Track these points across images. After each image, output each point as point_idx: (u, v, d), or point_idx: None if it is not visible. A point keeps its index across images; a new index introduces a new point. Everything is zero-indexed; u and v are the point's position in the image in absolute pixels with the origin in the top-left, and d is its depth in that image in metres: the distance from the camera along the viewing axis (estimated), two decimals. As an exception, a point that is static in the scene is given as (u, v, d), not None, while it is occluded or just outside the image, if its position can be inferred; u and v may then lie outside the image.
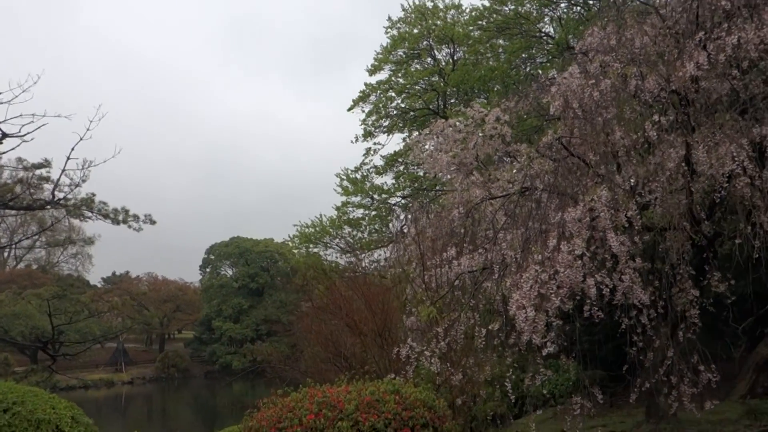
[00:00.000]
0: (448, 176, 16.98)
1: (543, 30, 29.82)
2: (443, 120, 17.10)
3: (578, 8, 28.06)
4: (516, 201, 10.77)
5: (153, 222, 20.01)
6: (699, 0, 11.15)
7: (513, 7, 28.14)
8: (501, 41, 29.85)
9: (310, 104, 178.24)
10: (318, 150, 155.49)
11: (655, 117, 9.75)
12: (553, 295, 8.77)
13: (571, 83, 10.35)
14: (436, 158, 16.74)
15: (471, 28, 29.40)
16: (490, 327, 9.30)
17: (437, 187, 33.02)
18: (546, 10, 29.10)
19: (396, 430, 6.73)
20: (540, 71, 31.03)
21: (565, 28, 27.84)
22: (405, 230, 32.76)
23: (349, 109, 32.29)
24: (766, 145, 10.11)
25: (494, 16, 28.70)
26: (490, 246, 10.97)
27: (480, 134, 16.39)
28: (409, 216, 18.28)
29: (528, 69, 31.11)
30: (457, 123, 16.88)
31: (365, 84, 31.91)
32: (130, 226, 19.59)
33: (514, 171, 13.87)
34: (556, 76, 26.98)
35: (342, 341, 11.51)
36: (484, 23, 29.12)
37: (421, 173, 33.45)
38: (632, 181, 10.05)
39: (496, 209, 11.86)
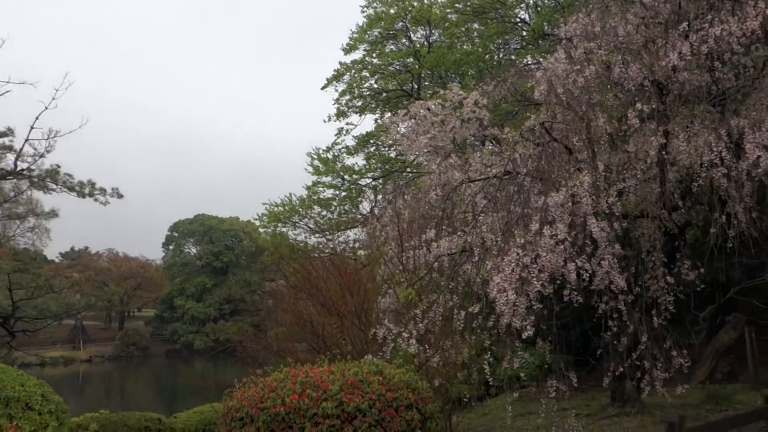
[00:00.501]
0: (424, 158, 16.95)
1: (519, 16, 29.85)
2: (421, 101, 17.02)
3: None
4: (497, 184, 10.76)
5: (120, 196, 19.68)
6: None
7: (490, -9, 28.06)
8: (476, 26, 29.77)
9: (281, 83, 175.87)
10: (288, 130, 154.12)
11: (638, 105, 9.80)
12: (534, 279, 8.80)
13: (557, 68, 10.34)
14: (412, 140, 16.67)
15: (448, 11, 29.24)
16: (470, 309, 9.30)
17: (408, 170, 32.97)
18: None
19: (380, 411, 6.69)
20: (513, 57, 31.14)
21: (542, 15, 27.88)
22: (376, 211, 32.79)
23: (323, 88, 31.94)
24: (743, 137, 10.25)
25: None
26: (469, 229, 10.96)
27: (458, 117, 16.37)
28: (384, 197, 18.20)
29: (502, 55, 31.15)
30: (433, 106, 16.82)
31: (340, 63, 31.58)
32: (96, 200, 19.22)
33: (492, 155, 13.88)
34: (532, 62, 27.20)
35: (318, 322, 11.40)
36: (460, 6, 28.99)
37: (393, 155, 33.34)
38: (604, 167, 10.15)
39: (475, 192, 11.85)
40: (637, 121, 9.71)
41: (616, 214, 9.54)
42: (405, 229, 11.95)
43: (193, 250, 70.91)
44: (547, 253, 8.87)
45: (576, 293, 9.21)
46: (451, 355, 10.24)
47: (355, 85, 31.35)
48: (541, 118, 10.10)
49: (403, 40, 32.23)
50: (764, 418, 8.20)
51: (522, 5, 28.88)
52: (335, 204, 32.07)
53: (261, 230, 41.44)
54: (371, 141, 32.98)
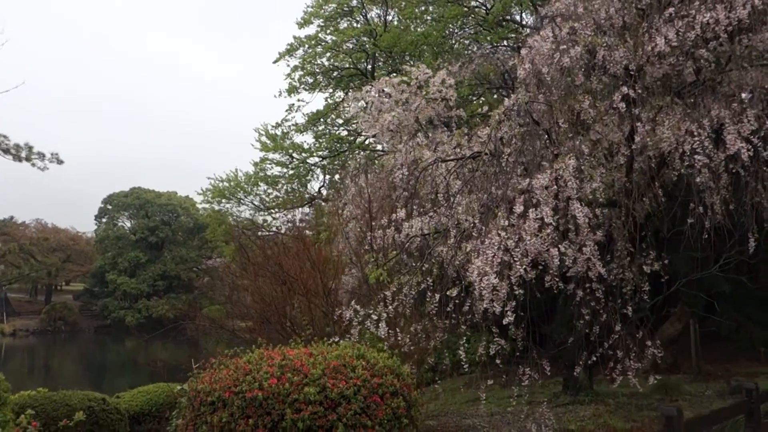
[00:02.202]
0: (387, 137, 16.46)
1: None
2: (386, 78, 16.50)
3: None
4: (477, 165, 10.38)
5: (60, 161, 18.43)
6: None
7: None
8: (432, 8, 29.28)
9: (228, 57, 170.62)
10: (238, 104, 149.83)
11: (624, 89, 9.57)
12: (517, 264, 8.47)
13: (542, 47, 9.99)
14: (375, 117, 16.16)
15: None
16: (448, 293, 8.90)
17: (358, 150, 32.39)
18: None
19: (365, 398, 6.22)
20: (467, 42, 30.90)
21: (497, 4, 27.64)
22: (324, 192, 32.15)
23: (275, 62, 30.88)
24: (722, 128, 10.18)
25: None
26: (444, 210, 10.55)
27: (423, 96, 15.94)
28: (344, 176, 17.63)
29: (457, 39, 30.85)
30: (392, 86, 16.33)
31: (294, 37, 30.58)
32: (33, 164, 17.94)
33: (462, 137, 13.50)
34: (488, 47, 26.96)
35: (282, 302, 10.79)
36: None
37: (344, 133, 32.72)
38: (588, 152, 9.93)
39: (449, 172, 11.44)
40: (623, 105, 9.47)
41: (600, 200, 9.30)
42: (366, 208, 11.43)
43: (128, 224, 68.41)
44: (531, 237, 8.54)
45: (557, 280, 8.94)
46: (421, 339, 9.84)
47: (308, 60, 30.45)
48: (524, 98, 9.73)
49: (359, 18, 31.48)
50: (743, 411, 8.15)
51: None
52: (284, 182, 31.22)
53: (204, 205, 40.06)
54: (321, 119, 32.24)
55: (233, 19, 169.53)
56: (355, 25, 31.28)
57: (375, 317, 9.78)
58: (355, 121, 31.10)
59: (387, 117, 15.50)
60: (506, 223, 8.61)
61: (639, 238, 12.50)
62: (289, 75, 30.77)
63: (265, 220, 31.74)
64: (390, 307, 9.87)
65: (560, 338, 13.34)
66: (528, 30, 28.68)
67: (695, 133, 9.75)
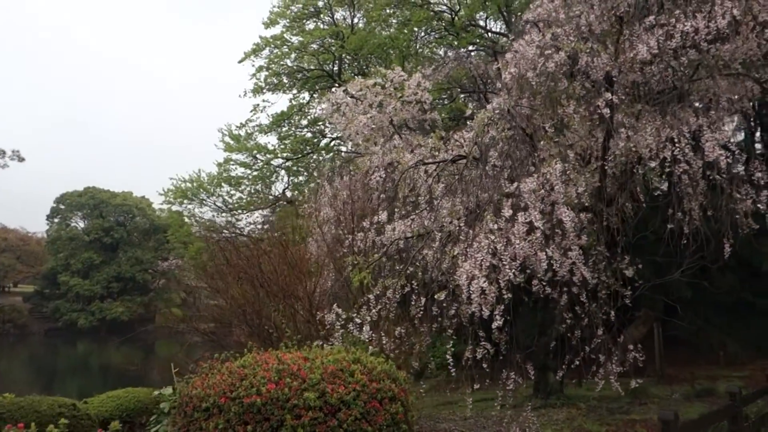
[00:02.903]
0: (361, 139, 16.34)
1: (444, 3, 29.59)
2: (361, 80, 16.39)
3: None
4: (459, 168, 10.35)
5: (21, 159, 17.94)
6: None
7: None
8: (397, 11, 29.29)
9: (189, 55, 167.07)
10: (199, 104, 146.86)
11: (607, 95, 9.68)
12: (506, 267, 8.46)
13: (527, 52, 10.03)
14: (349, 119, 16.05)
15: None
16: (436, 296, 8.84)
17: (323, 153, 32.19)
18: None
19: (365, 404, 6.10)
20: (431, 46, 31.04)
21: (466, 9, 27.83)
22: (288, 193, 31.82)
23: (240, 61, 30.50)
24: (700, 135, 10.37)
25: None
26: (426, 213, 10.50)
27: (398, 98, 15.90)
28: (318, 177, 17.44)
29: (423, 43, 30.96)
30: (366, 88, 16.25)
31: (260, 37, 30.20)
32: (-7, 162, 17.21)
33: (440, 140, 13.48)
34: (451, 52, 27.07)
35: (260, 306, 10.56)
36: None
37: (309, 135, 32.47)
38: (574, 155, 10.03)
39: (429, 175, 11.40)
40: (608, 111, 9.57)
41: (586, 204, 9.37)
42: (352, 210, 11.31)
43: (81, 225, 66.64)
44: (520, 240, 8.55)
45: (544, 284, 8.97)
46: (404, 343, 9.76)
47: (274, 61, 30.14)
48: (510, 102, 9.74)
49: (326, 19, 31.33)
50: (728, 415, 8.29)
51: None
52: (248, 183, 30.80)
53: (163, 206, 39.24)
54: (286, 121, 31.95)
55: (194, 17, 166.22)
56: (321, 26, 31.10)
57: (359, 321, 9.67)
58: (324, 123, 31.07)
59: (362, 119, 15.41)
60: (495, 226, 8.59)
61: (613, 243, 12.70)
62: (254, 75, 30.43)
63: (228, 221, 31.22)
64: (373, 310, 9.77)
65: (528, 342, 13.44)
66: (492, 35, 29.06)
67: (676, 140, 9.92)
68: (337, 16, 31.67)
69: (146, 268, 64.96)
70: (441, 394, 16.99)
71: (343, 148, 33.25)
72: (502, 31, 28.57)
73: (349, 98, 16.35)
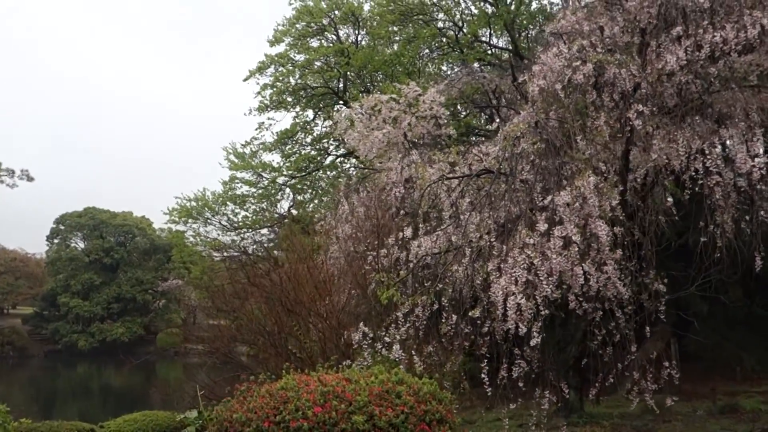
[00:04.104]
0: (373, 154, 16.20)
1: (453, 20, 29.56)
2: (376, 96, 16.31)
3: (486, 4, 28.02)
4: (484, 183, 10.17)
5: (31, 179, 17.65)
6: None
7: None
8: (397, 28, 29.30)
9: (189, 76, 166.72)
10: (195, 125, 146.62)
11: (638, 106, 9.53)
12: (544, 283, 8.25)
13: (554, 64, 9.89)
14: (365, 135, 15.92)
15: (383, 8, 28.51)
16: (470, 313, 8.61)
17: (329, 170, 32.05)
18: (450, 2, 28.84)
19: (414, 426, 5.85)
20: (435, 62, 31.03)
21: (472, 25, 27.81)
22: (294, 211, 31.59)
23: (245, 79, 30.36)
24: (728, 147, 10.25)
25: (402, 1, 28.08)
26: (453, 228, 10.30)
27: (413, 114, 15.78)
28: (336, 195, 17.27)
29: (427, 60, 30.97)
30: (381, 103, 16.15)
31: (265, 55, 30.13)
32: (2, 181, 17.02)
33: (458, 154, 13.33)
34: (457, 68, 27.02)
35: (283, 325, 10.28)
36: (392, 7, 28.40)
37: (313, 153, 32.33)
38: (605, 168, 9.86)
39: (452, 190, 11.22)
40: (640, 122, 9.42)
41: (620, 217, 9.18)
42: (378, 227, 11.09)
43: (81, 245, 66.07)
44: (556, 255, 8.34)
45: (581, 300, 8.74)
46: (434, 362, 9.51)
47: (279, 79, 30.07)
48: (539, 115, 9.59)
49: (331, 37, 31.32)
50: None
51: (440, 14, 28.64)
52: (254, 201, 30.59)
53: (163, 226, 38.98)
54: (290, 138, 31.82)
55: (205, 33, 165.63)
56: (325, 44, 31.07)
57: (388, 339, 9.43)
58: (328, 140, 30.97)
59: (377, 134, 15.28)
60: (531, 241, 8.39)
61: (638, 257, 12.50)
62: (259, 93, 30.32)
63: (233, 240, 30.98)
64: (402, 329, 9.53)
65: (555, 359, 13.17)
66: (497, 51, 29.06)
67: (707, 152, 9.78)
68: (341, 33, 31.65)
69: (146, 289, 64.36)
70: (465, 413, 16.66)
71: (347, 165, 33.20)
72: (507, 46, 28.53)
73: (362, 114, 16.25)
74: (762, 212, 10.23)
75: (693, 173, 9.87)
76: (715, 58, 10.15)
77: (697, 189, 9.90)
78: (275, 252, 23.43)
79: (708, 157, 9.69)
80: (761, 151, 9.66)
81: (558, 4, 28.57)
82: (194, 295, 46.52)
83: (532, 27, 27.54)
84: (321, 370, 7.09)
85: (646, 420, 14.59)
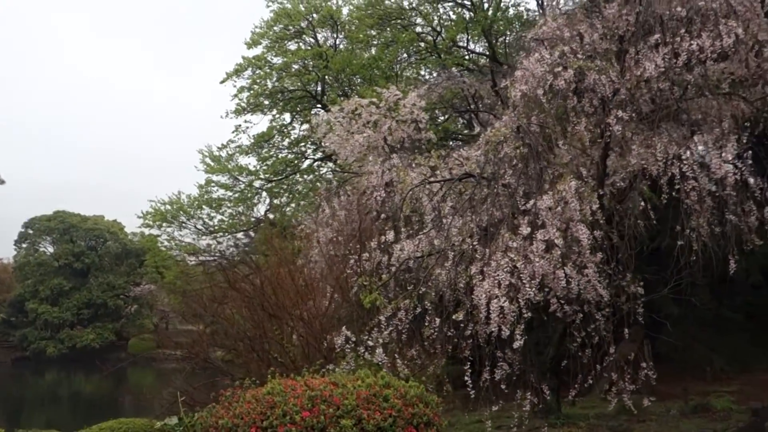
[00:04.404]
0: (352, 159, 16.21)
1: (420, 24, 29.65)
2: (357, 99, 16.33)
3: (464, 10, 28.21)
4: (466, 187, 10.25)
5: (1, 182, 17.21)
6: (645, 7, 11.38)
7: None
8: (374, 32, 29.37)
9: (164, 78, 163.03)
10: (170, 126, 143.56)
11: (618, 112, 9.69)
12: (526, 286, 8.33)
13: (536, 69, 10.01)
14: (345, 138, 15.93)
15: (361, 11, 28.54)
16: (454, 317, 8.66)
17: (306, 174, 31.96)
18: (428, 7, 28.95)
19: (403, 430, 5.86)
20: (413, 67, 31.18)
21: (450, 30, 27.97)
22: (271, 215, 31.45)
23: (222, 82, 30.21)
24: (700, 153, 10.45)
25: (380, 6, 28.16)
26: (435, 232, 10.35)
27: (393, 118, 15.84)
28: (316, 198, 17.23)
29: (405, 64, 31.09)
30: (362, 106, 16.19)
31: (243, 57, 30.01)
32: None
33: (438, 158, 13.40)
34: (435, 73, 27.17)
35: (266, 330, 10.21)
36: (370, 11, 28.47)
37: (291, 156, 32.24)
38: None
39: (434, 194, 11.27)
40: (619, 128, 9.57)
41: (600, 221, 9.31)
42: (359, 230, 11.10)
43: (51, 250, 64.83)
44: (539, 259, 8.43)
45: (563, 302, 8.85)
46: (417, 366, 9.54)
47: (257, 81, 29.95)
48: (521, 119, 9.69)
49: (309, 40, 31.27)
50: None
51: (434, 15, 28.76)
52: (230, 205, 30.38)
53: (140, 230, 38.48)
54: (268, 142, 31.71)
55: (180, 35, 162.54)
56: (303, 47, 31.02)
57: (371, 343, 9.44)
58: (306, 144, 30.91)
59: (358, 138, 15.30)
60: (514, 244, 8.47)
61: (616, 259, 12.69)
62: (236, 95, 30.19)
63: (209, 244, 30.73)
64: (385, 332, 9.55)
65: (529, 361, 13.30)
66: (474, 56, 29.28)
67: (683, 157, 9.96)
68: (320, 36, 31.65)
69: (118, 294, 63.30)
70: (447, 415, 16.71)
71: (324, 170, 33.15)
72: (484, 52, 28.72)
73: (342, 118, 16.26)
74: (733, 217, 10.47)
75: (669, 178, 10.05)
76: (691, 65, 10.36)
77: (673, 194, 10.08)
78: (252, 256, 23.33)
79: (684, 162, 9.86)
80: (730, 157, 9.86)
81: (535, 11, 29.11)
82: (169, 300, 45.98)
83: (509, 33, 27.81)
84: (307, 374, 7.07)
85: (621, 420, 14.83)
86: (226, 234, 31.12)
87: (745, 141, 10.70)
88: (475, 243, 9.31)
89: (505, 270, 8.38)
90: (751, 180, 10.28)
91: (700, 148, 10.65)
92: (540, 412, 15.02)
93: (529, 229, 8.58)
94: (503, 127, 9.77)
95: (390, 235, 10.87)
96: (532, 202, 8.84)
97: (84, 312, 61.77)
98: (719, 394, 17.61)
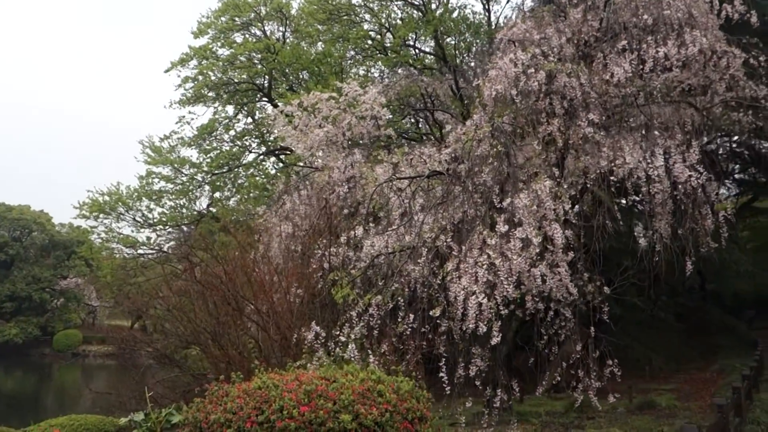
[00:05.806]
0: (317, 152, 16.03)
1: (368, 21, 29.52)
2: (317, 93, 16.13)
3: (413, 9, 28.23)
4: (447, 183, 10.26)
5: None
6: (610, 14, 11.70)
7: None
8: (335, 27, 29.11)
9: (100, 62, 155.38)
10: (115, 112, 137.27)
11: (589, 115, 9.90)
12: (504, 283, 8.40)
13: (509, 70, 10.11)
14: (305, 133, 15.73)
15: (312, 5, 28.16)
16: (432, 313, 8.65)
17: (241, 169, 31.31)
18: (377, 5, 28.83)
19: (398, 425, 5.80)
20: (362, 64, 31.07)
21: (401, 29, 27.98)
22: (213, 209, 30.76)
23: (167, 71, 29.27)
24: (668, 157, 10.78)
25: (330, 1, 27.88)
26: (405, 228, 10.32)
27: (353, 114, 15.74)
28: (278, 193, 16.93)
29: (353, 62, 30.96)
30: (321, 100, 16.03)
31: (189, 47, 29.19)
32: None
33: (403, 155, 13.39)
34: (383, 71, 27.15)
35: (229, 326, 9.91)
36: (320, 5, 28.16)
37: (234, 150, 31.59)
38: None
39: (401, 191, 11.24)
40: (591, 130, 9.77)
41: (572, 221, 9.48)
42: (330, 224, 10.94)
43: (-28, 240, 61.60)
44: (516, 256, 8.52)
45: (537, 300, 8.97)
46: (390, 362, 9.47)
47: (203, 72, 29.19)
48: (496, 119, 9.77)
49: (256, 32, 30.69)
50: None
51: (382, 13, 28.66)
52: (173, 197, 29.52)
53: (75, 221, 36.96)
54: (210, 134, 30.98)
55: (117, 18, 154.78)
56: (250, 39, 30.39)
57: (343, 339, 9.33)
58: (250, 137, 30.37)
59: (319, 132, 15.13)
60: (492, 242, 8.53)
61: (579, 259, 12.98)
62: (180, 86, 29.34)
63: (148, 237, 29.80)
64: (356, 328, 9.46)
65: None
66: (422, 54, 29.40)
67: (648, 161, 10.25)
68: (267, 29, 31.11)
69: (44, 287, 60.68)
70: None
71: (267, 164, 32.62)
72: (432, 52, 28.85)
73: (300, 112, 16.03)
74: (690, 221, 10.87)
75: (634, 181, 10.32)
76: (658, 72, 10.68)
77: (637, 198, 10.38)
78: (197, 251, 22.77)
79: (650, 165, 10.15)
80: (694, 161, 10.22)
81: (482, 14, 29.47)
82: (101, 293, 44.33)
83: (458, 34, 28.00)
84: (291, 369, 6.91)
85: (572, 417, 15.19)
86: (167, 227, 30.24)
87: (698, 147, 11.10)
88: (449, 240, 9.32)
89: (482, 267, 8.43)
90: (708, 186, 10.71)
91: (658, 152, 10.97)
92: (494, 410, 15.23)
93: (506, 226, 8.65)
94: (475, 125, 9.81)
95: (359, 231, 10.77)
96: (509, 200, 8.92)
97: (7, 305, 58.96)
98: (660, 392, 18.27)
